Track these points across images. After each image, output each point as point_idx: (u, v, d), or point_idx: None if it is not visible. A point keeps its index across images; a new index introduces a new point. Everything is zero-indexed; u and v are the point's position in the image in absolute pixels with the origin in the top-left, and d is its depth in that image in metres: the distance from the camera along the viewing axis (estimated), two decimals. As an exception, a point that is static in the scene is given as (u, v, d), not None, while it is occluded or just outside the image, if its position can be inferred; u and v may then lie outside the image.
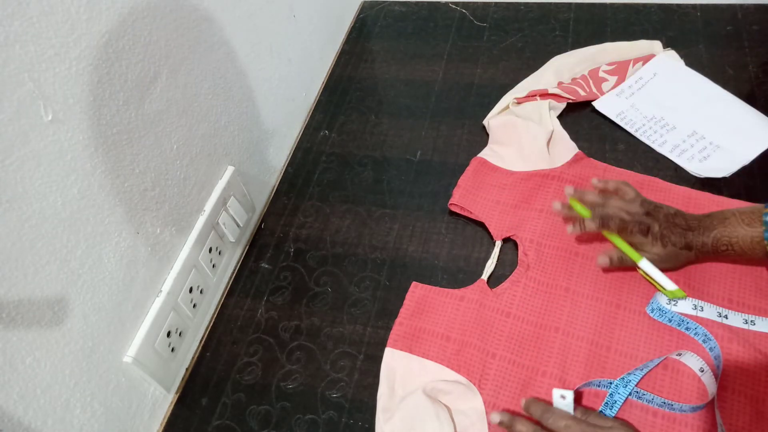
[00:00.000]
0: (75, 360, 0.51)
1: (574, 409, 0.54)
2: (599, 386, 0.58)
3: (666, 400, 0.55)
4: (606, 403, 0.56)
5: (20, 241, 0.44)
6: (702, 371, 0.57)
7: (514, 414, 0.55)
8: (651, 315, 0.61)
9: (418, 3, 1.08)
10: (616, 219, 0.62)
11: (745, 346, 0.57)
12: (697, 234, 0.60)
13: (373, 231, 0.76)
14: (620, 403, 0.55)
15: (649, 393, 0.56)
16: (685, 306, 0.61)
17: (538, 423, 0.53)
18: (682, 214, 0.62)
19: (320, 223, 0.78)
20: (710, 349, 0.58)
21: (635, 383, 0.56)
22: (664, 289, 0.61)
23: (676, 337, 0.60)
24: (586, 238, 0.69)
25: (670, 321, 0.60)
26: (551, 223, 0.71)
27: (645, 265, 0.62)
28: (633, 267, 0.64)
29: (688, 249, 0.61)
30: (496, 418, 0.55)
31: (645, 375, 0.57)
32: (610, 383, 0.57)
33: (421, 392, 0.58)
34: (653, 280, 0.62)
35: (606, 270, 0.66)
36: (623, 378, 0.56)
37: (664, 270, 0.62)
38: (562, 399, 0.54)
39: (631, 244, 0.63)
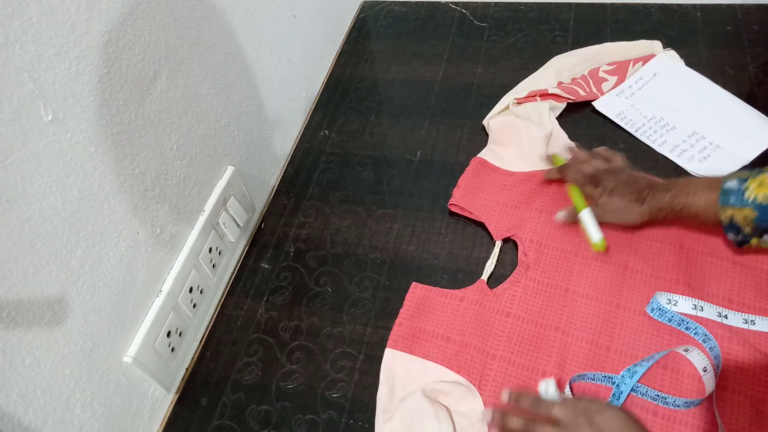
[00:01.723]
0: (75, 360, 0.51)
1: (572, 396, 0.54)
2: (593, 380, 0.58)
3: (660, 393, 0.55)
4: (613, 394, 0.56)
5: (20, 241, 0.44)
6: (705, 370, 0.57)
7: (504, 410, 0.55)
8: (651, 315, 0.61)
9: (418, 3, 1.08)
10: (581, 174, 0.66)
11: (745, 346, 0.57)
12: (656, 191, 0.61)
13: (373, 231, 0.76)
14: (626, 393, 0.56)
15: (643, 385, 0.56)
16: (685, 306, 0.61)
17: (529, 415, 0.53)
18: (651, 177, 0.64)
19: (320, 223, 0.78)
20: (710, 348, 0.58)
21: (641, 374, 0.56)
22: (590, 239, 0.64)
23: (676, 337, 0.60)
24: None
25: (670, 321, 0.60)
26: (551, 223, 0.71)
27: (583, 214, 0.65)
28: (628, 263, 0.65)
29: (640, 202, 0.62)
30: (487, 415, 0.55)
31: (646, 372, 0.57)
32: (605, 377, 0.57)
33: (421, 393, 0.58)
34: (586, 230, 0.65)
35: (605, 270, 0.66)
36: (629, 369, 0.57)
37: (618, 224, 0.65)
38: (546, 391, 0.56)
39: (589, 198, 0.66)
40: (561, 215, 0.68)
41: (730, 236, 0.56)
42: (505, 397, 0.56)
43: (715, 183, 0.57)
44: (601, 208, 0.65)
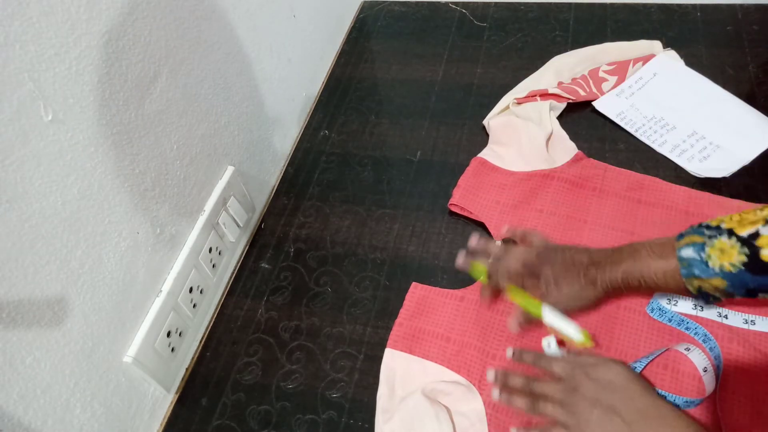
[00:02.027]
0: (75, 360, 0.51)
1: (567, 352, 0.55)
2: None
3: (660, 391, 0.55)
4: None
5: (20, 241, 0.44)
6: (705, 370, 0.57)
7: (506, 370, 0.56)
8: (651, 315, 0.61)
9: (418, 3, 1.08)
10: (511, 272, 0.60)
11: (745, 346, 0.57)
12: (604, 269, 0.56)
13: (373, 231, 0.76)
14: None
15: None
16: (686, 306, 0.61)
17: (531, 372, 0.54)
18: (588, 251, 0.58)
19: (320, 223, 0.78)
20: (710, 348, 0.58)
21: (640, 370, 0.56)
22: (572, 340, 0.57)
23: (676, 337, 0.60)
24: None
25: (670, 321, 0.60)
26: (551, 223, 0.71)
27: (546, 313, 0.57)
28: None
29: (592, 285, 0.56)
30: (490, 375, 0.56)
31: (645, 370, 0.57)
32: None
33: (421, 393, 0.58)
34: (560, 332, 0.57)
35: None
36: (630, 365, 0.57)
37: (574, 312, 0.59)
38: (548, 347, 0.57)
39: (536, 296, 0.59)
40: (513, 325, 0.60)
41: (700, 302, 0.54)
42: (509, 353, 0.57)
43: (666, 250, 0.53)
44: (557, 301, 0.58)
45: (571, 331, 0.57)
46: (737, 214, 0.51)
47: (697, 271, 0.50)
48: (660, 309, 0.61)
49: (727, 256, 0.49)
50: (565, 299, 0.58)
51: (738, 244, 0.48)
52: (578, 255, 0.58)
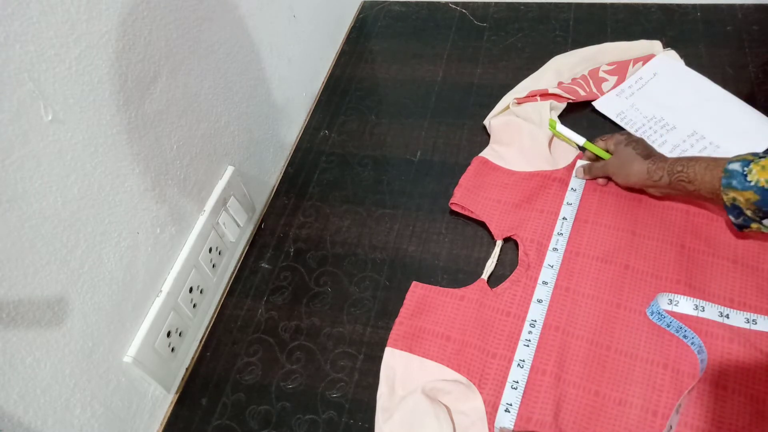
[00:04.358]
0: (75, 360, 0.51)
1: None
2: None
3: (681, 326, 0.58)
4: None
5: (20, 241, 0.44)
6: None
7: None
8: (650, 318, 0.61)
9: (418, 3, 1.08)
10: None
11: (746, 346, 0.57)
12: (662, 156, 0.65)
13: (373, 231, 0.76)
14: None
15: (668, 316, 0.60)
16: (687, 306, 0.61)
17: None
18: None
19: (320, 223, 0.78)
20: (701, 360, 0.58)
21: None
22: (576, 142, 0.75)
23: (676, 338, 0.60)
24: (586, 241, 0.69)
25: (668, 326, 0.60)
26: (552, 223, 0.71)
27: (559, 126, 0.75)
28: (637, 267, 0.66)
29: (645, 157, 0.65)
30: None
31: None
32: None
33: (421, 392, 0.58)
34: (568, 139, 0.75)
35: (606, 269, 0.65)
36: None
37: (618, 180, 0.70)
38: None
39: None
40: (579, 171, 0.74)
41: (732, 218, 0.57)
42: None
43: (717, 160, 0.58)
44: (614, 152, 0.69)
45: (576, 138, 0.74)
46: None
47: (734, 182, 0.54)
48: (659, 313, 0.61)
49: (766, 172, 0.52)
50: (621, 155, 0.68)
51: None
52: (653, 147, 0.68)
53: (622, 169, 0.67)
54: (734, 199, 0.55)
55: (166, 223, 0.62)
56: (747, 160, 0.55)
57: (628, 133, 0.70)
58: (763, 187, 0.52)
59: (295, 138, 0.91)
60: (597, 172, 0.72)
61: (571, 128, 0.80)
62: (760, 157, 0.54)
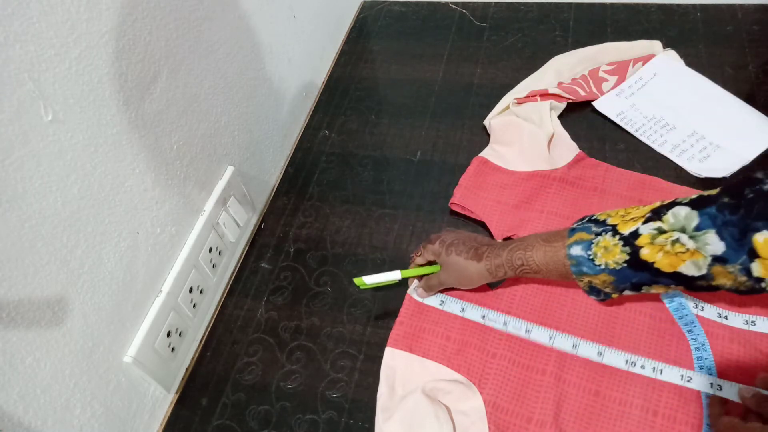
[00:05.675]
0: (75, 360, 0.51)
1: None
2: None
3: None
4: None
5: (20, 241, 0.44)
6: (690, 380, 0.57)
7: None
8: (667, 305, 0.61)
9: (418, 3, 1.08)
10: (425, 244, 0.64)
11: (746, 347, 0.57)
12: (494, 248, 0.58)
13: (373, 231, 0.76)
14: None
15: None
16: (687, 305, 0.61)
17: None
18: (492, 240, 0.63)
19: (320, 223, 0.78)
20: (698, 358, 0.58)
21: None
22: (395, 280, 0.62)
23: (676, 338, 0.60)
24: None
25: (681, 318, 0.60)
26: (552, 223, 0.71)
27: (372, 278, 0.61)
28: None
29: (477, 259, 0.58)
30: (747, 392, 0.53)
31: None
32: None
33: (421, 392, 0.58)
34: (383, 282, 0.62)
35: None
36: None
37: (458, 286, 0.62)
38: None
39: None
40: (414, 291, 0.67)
41: (594, 297, 0.56)
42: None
43: (551, 237, 0.55)
44: (441, 267, 0.61)
45: (390, 275, 0.61)
46: (623, 209, 0.53)
47: (585, 269, 0.52)
48: (680, 303, 0.61)
49: (610, 254, 0.51)
50: (452, 267, 0.60)
51: (620, 243, 0.50)
52: (480, 237, 0.62)
53: (462, 279, 0.60)
54: (590, 282, 0.53)
55: (166, 223, 0.62)
56: (585, 241, 0.52)
57: (439, 239, 0.61)
58: (614, 268, 0.50)
59: (295, 138, 0.91)
60: (437, 288, 0.64)
61: (571, 128, 0.80)
62: (596, 234, 0.52)
